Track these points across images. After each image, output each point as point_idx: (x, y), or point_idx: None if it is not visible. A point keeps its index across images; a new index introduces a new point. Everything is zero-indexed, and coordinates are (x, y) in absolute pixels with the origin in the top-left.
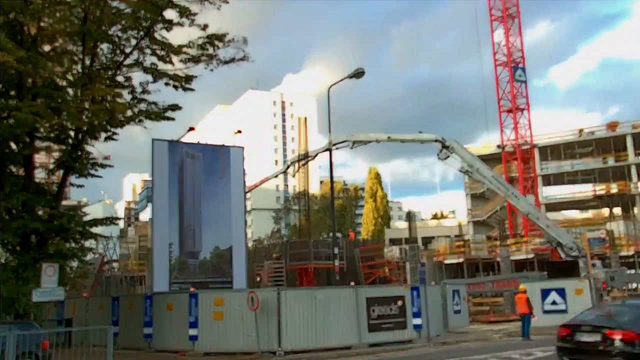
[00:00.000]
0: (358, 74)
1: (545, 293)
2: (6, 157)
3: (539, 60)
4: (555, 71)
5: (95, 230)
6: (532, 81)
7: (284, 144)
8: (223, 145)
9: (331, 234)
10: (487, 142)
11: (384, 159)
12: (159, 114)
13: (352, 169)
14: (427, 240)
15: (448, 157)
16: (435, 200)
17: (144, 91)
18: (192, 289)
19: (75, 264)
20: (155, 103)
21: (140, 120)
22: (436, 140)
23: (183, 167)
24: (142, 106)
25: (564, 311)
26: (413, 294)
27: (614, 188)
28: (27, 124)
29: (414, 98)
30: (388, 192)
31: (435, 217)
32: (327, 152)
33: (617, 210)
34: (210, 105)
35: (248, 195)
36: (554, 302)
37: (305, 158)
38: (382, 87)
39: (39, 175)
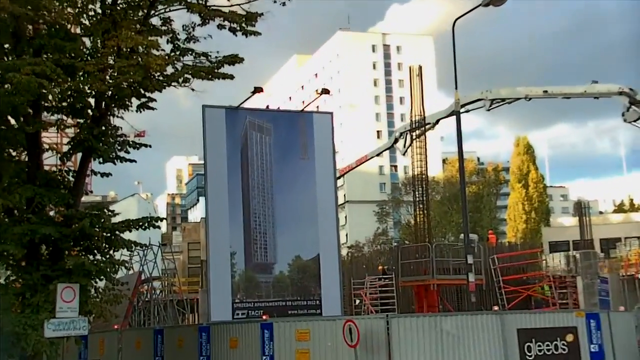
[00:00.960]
0: (496, 0)
1: None
2: (3, 137)
3: None
4: None
5: (128, 236)
6: None
7: (389, 107)
8: (303, 112)
9: (461, 237)
10: None
11: (539, 125)
12: (211, 69)
13: (490, 141)
14: (610, 244)
15: None
16: (621, 185)
17: (190, 38)
18: (264, 317)
19: (102, 283)
20: (205, 54)
21: (185, 80)
22: (620, 93)
23: (247, 144)
24: (188, 59)
25: None
26: (590, 325)
27: None
28: (30, 90)
29: (582, 34)
30: (545, 174)
31: (620, 209)
32: (453, 117)
33: None
34: (283, 57)
35: (340, 182)
36: None
37: (421, 126)
38: (530, 21)
39: (49, 161)
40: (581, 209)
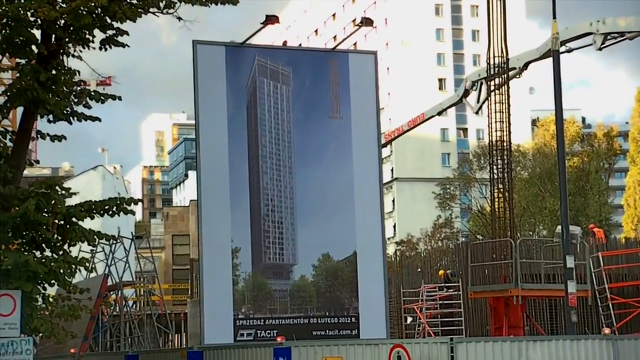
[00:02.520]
0: None
1: None
2: None
3: None
4: None
5: (89, 224)
6: None
7: (457, 45)
8: (335, 50)
9: (558, 230)
10: None
11: None
12: None
13: (602, 94)
14: None
15: None
16: None
17: None
18: (279, 339)
19: (53, 290)
20: None
21: (169, 5)
22: None
23: (256, 97)
24: None
25: None
26: None
27: None
28: None
29: None
30: None
31: None
32: (549, 60)
33: None
34: None
35: (386, 151)
36: None
37: (502, 72)
38: None
39: None
40: None
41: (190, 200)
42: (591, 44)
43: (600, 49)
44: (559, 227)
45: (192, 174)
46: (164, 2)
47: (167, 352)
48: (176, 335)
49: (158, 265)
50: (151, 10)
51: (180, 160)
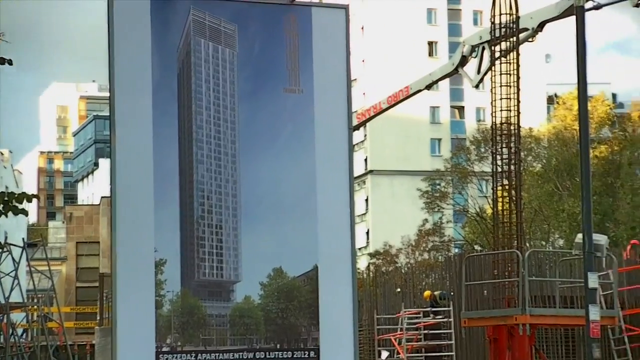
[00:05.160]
0: None
1: None
2: None
3: None
4: None
5: None
6: None
7: None
8: (294, 4)
9: (576, 238)
10: None
11: None
12: None
13: (638, 64)
14: None
15: None
16: None
17: None
18: None
19: None
20: None
21: None
22: None
23: (191, 62)
24: None
25: None
26: None
27: None
28: None
29: None
30: None
31: None
32: (570, 20)
33: None
34: None
35: (359, 135)
36: None
37: (510, 34)
38: None
39: None
40: None
41: (102, 197)
42: None
43: (637, 5)
44: (580, 235)
45: (103, 163)
46: None
47: None
48: None
49: (57, 282)
50: None
51: (89, 145)
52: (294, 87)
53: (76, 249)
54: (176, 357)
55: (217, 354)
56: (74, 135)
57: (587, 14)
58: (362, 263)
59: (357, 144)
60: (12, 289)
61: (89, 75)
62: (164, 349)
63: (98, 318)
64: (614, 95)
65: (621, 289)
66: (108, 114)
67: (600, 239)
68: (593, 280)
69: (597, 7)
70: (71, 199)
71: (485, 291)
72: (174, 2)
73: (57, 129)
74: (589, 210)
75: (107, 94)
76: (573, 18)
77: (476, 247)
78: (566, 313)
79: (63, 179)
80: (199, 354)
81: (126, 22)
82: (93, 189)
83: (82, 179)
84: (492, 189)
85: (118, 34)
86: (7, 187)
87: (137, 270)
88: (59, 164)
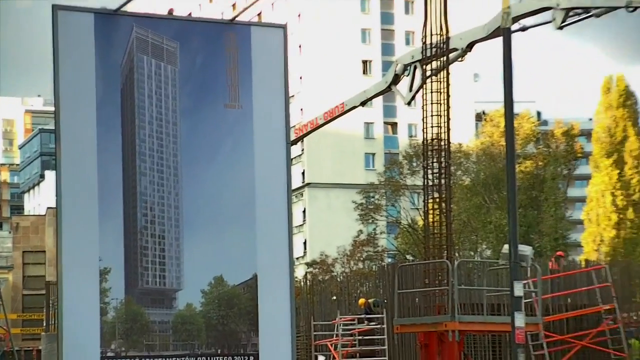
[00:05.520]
0: None
1: None
2: None
3: None
4: None
5: None
6: None
7: (386, 19)
8: (234, 23)
9: (502, 249)
10: None
11: None
12: None
13: (562, 87)
14: None
15: None
16: None
17: None
18: None
19: None
20: None
21: None
22: None
23: (134, 78)
24: None
25: None
26: None
27: None
28: None
29: None
30: None
31: None
32: (498, 40)
33: None
34: None
35: (297, 149)
36: None
37: (441, 55)
38: None
39: None
40: None
41: (48, 208)
42: (550, 21)
43: (561, 28)
44: (506, 246)
45: (49, 175)
46: None
47: None
48: None
49: (4, 290)
50: None
51: (35, 157)
52: (234, 103)
53: (22, 258)
54: None
55: (160, 359)
56: (20, 148)
57: (514, 35)
58: (300, 272)
59: (294, 157)
60: None
61: (35, 90)
62: (109, 354)
63: (44, 324)
64: (538, 113)
65: (545, 297)
66: (53, 128)
67: (525, 249)
68: (518, 289)
69: (524, 29)
70: (18, 209)
71: (417, 299)
72: (117, 19)
73: (3, 142)
74: (514, 223)
75: (52, 109)
76: (500, 39)
77: (408, 257)
78: (493, 320)
79: (10, 190)
80: (143, 359)
81: (70, 38)
82: (39, 200)
83: (28, 190)
84: (424, 201)
85: (62, 50)
86: None
87: (82, 278)
88: (5, 176)
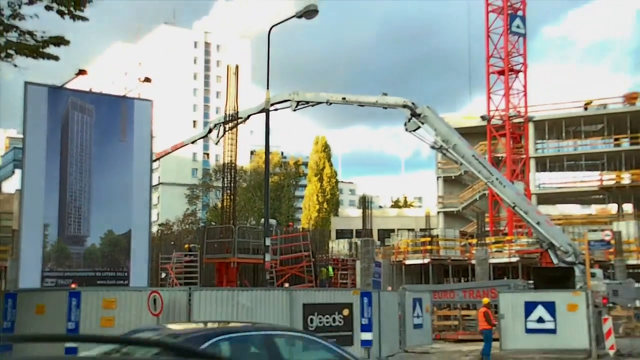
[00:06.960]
0: (308, 12)
1: (529, 307)
2: None
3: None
4: (571, 20)
5: None
6: (541, 31)
7: (207, 99)
8: (125, 97)
9: (262, 221)
10: (469, 112)
11: (339, 126)
12: (36, 48)
13: (294, 138)
14: (385, 234)
15: (418, 128)
16: (398, 183)
17: (15, 15)
18: (73, 285)
19: None
20: (31, 33)
21: (8, 55)
22: (404, 106)
23: (69, 123)
24: (12, 36)
25: (552, 331)
26: (363, 302)
27: (626, 178)
28: None
29: (387, 47)
30: (338, 170)
31: (396, 204)
32: (263, 114)
33: (628, 207)
34: (110, 41)
35: (156, 164)
36: (540, 320)
37: (233, 120)
38: (345, 32)
39: None
40: (365, 203)
41: (16, 190)
42: (290, 106)
43: (294, 110)
44: (263, 219)
45: (18, 172)
46: (4, 53)
47: None
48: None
49: None
50: None
51: (10, 162)
52: (124, 139)
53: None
54: (53, 273)
55: (75, 273)
56: (2, 157)
57: (271, 113)
58: (154, 229)
59: (155, 169)
60: None
61: (12, 123)
62: (46, 270)
63: (11, 254)
64: (282, 152)
65: (282, 246)
66: (21, 148)
67: (272, 221)
68: (267, 242)
69: (276, 110)
70: None
71: (216, 245)
72: (62, 93)
73: None
74: (267, 207)
75: (22, 136)
76: (264, 114)
77: (213, 223)
78: (254, 257)
79: None
80: (65, 273)
81: (34, 99)
82: (13, 185)
83: (5, 180)
84: (222, 194)
85: (29, 105)
86: None
87: (32, 228)
88: None
